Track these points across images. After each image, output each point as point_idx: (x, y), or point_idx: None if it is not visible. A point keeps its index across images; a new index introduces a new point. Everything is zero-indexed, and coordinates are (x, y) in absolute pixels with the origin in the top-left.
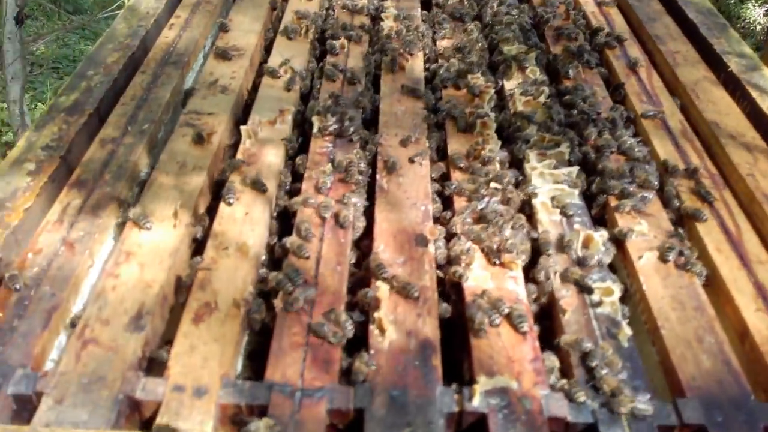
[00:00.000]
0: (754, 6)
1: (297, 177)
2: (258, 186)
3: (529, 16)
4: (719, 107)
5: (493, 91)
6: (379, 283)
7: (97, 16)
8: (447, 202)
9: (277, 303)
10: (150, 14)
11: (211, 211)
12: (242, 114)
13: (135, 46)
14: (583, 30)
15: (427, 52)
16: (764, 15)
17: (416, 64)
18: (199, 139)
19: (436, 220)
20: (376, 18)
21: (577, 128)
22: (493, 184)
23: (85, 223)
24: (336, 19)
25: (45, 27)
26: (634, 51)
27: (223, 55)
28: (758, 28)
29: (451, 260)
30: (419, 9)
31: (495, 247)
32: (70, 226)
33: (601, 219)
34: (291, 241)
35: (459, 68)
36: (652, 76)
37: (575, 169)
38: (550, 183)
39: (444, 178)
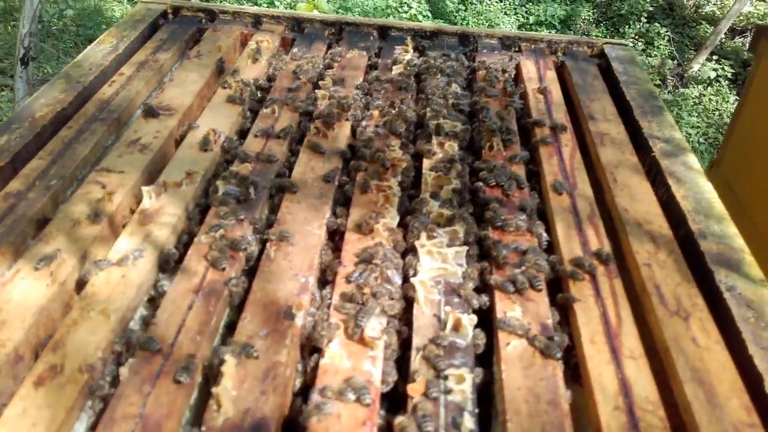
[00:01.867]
0: None
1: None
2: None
3: (466, 90)
4: (633, 192)
5: (405, 164)
6: (226, 355)
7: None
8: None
9: (123, 371)
10: (92, 70)
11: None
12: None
13: (67, 102)
14: (516, 108)
15: (355, 121)
16: None
17: (342, 134)
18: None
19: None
20: (316, 85)
21: (480, 207)
22: (376, 260)
23: None
24: (277, 85)
25: (56, 69)
26: (565, 133)
27: (152, 112)
28: None
29: (311, 336)
30: (361, 78)
31: (356, 324)
32: None
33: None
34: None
35: (378, 142)
36: (574, 157)
37: (464, 249)
38: (438, 261)
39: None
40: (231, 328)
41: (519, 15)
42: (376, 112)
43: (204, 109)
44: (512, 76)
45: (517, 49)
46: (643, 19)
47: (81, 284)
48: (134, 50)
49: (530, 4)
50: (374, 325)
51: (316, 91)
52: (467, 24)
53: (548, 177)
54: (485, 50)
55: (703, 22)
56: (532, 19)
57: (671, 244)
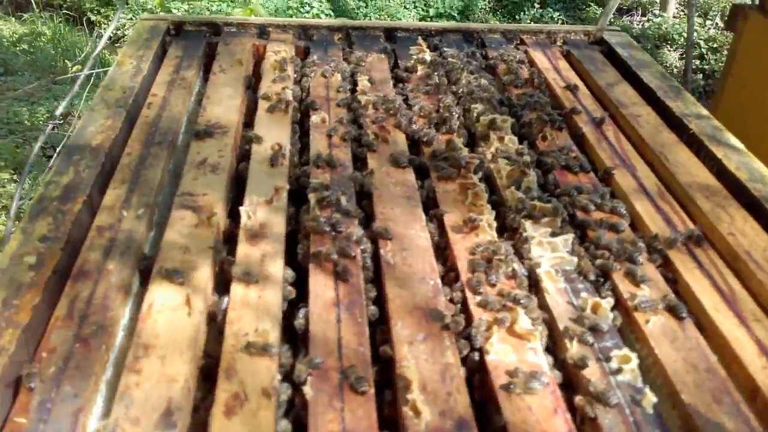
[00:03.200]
0: (669, 51)
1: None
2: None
3: (497, 86)
4: (689, 169)
5: (477, 161)
6: (405, 362)
7: (45, 82)
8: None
9: (307, 390)
10: (126, 94)
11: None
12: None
13: (118, 128)
14: (548, 97)
15: (405, 124)
16: (679, 59)
17: (398, 137)
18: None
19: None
20: (352, 91)
21: (564, 196)
22: (496, 256)
23: (96, 317)
24: (314, 93)
25: None
26: (604, 118)
27: (207, 132)
28: (675, 71)
29: (467, 335)
30: (391, 80)
31: (512, 319)
32: (81, 322)
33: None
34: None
35: (445, 141)
36: (620, 140)
37: (571, 236)
38: (549, 252)
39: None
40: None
41: (419, 8)
42: (421, 113)
43: (254, 123)
44: (531, 68)
45: (518, 41)
46: (536, 5)
47: (215, 310)
48: (156, 70)
49: None
50: (525, 318)
51: (359, 96)
52: (369, 19)
53: (606, 161)
54: (493, 45)
55: (592, 4)
56: (432, 12)
57: (741, 212)
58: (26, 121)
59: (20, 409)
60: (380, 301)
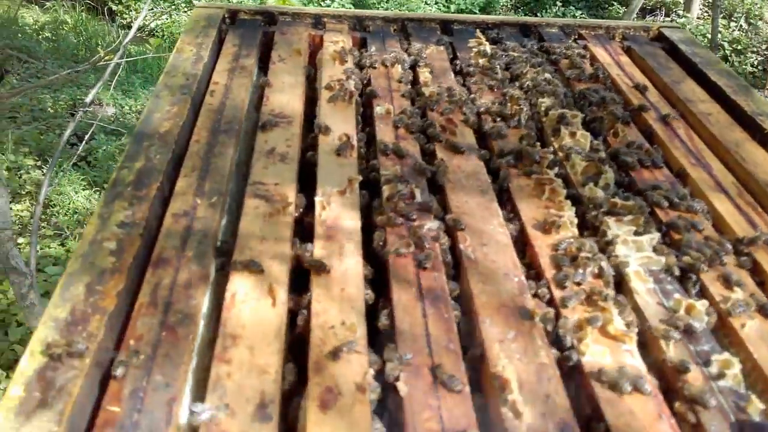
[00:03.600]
0: None
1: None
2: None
3: (561, 79)
4: (765, 168)
5: (552, 156)
6: (501, 360)
7: (81, 68)
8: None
9: (401, 386)
10: (189, 81)
11: (299, 282)
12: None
13: (184, 115)
14: (616, 92)
15: (472, 117)
16: None
17: (465, 130)
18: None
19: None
20: (413, 83)
21: (642, 193)
22: (581, 254)
23: (180, 305)
24: (375, 84)
25: (22, 83)
26: (675, 116)
27: (272, 122)
28: None
29: (559, 335)
30: (451, 73)
31: (605, 319)
32: (166, 309)
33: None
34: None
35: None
36: (692, 138)
37: (657, 235)
38: (634, 251)
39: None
40: None
41: (440, 4)
42: (487, 106)
43: (318, 113)
44: (593, 63)
45: (576, 36)
46: (559, 3)
47: (298, 302)
48: (215, 57)
49: None
50: (619, 319)
51: (422, 88)
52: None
53: (680, 159)
54: (552, 40)
55: (615, 3)
56: (453, 8)
57: None
58: (50, 108)
59: (112, 398)
60: (462, 296)
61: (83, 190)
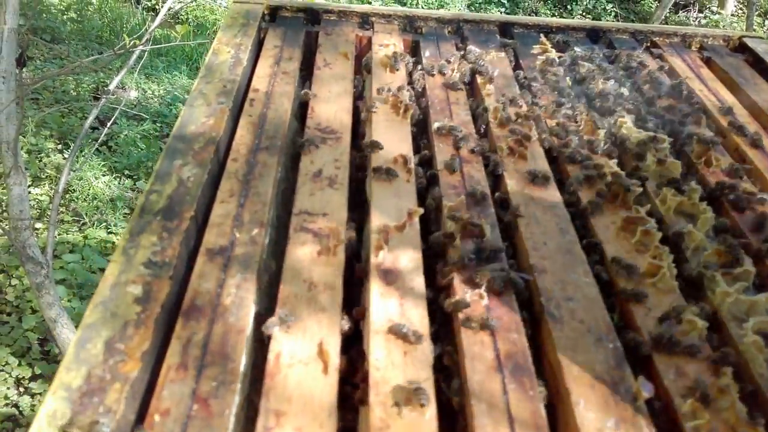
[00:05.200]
0: None
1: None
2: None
3: (637, 94)
4: None
5: (640, 189)
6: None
7: (106, 57)
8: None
9: None
10: (227, 88)
11: (350, 343)
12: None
13: (221, 129)
14: (701, 112)
15: (544, 137)
16: None
17: (536, 151)
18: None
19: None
20: (472, 93)
21: (744, 237)
22: (687, 316)
23: (215, 369)
24: (431, 95)
25: (45, 64)
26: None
27: (318, 138)
28: None
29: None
30: (516, 84)
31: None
32: (198, 374)
33: None
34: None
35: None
36: None
37: None
38: (746, 314)
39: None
40: None
41: None
42: (560, 125)
43: (369, 129)
44: (672, 76)
45: (649, 43)
46: None
47: (353, 362)
48: (254, 59)
49: None
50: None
51: (485, 102)
52: (417, 6)
53: None
54: (624, 47)
55: None
56: (481, 0)
57: None
58: (72, 91)
59: None
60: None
61: (103, 175)
